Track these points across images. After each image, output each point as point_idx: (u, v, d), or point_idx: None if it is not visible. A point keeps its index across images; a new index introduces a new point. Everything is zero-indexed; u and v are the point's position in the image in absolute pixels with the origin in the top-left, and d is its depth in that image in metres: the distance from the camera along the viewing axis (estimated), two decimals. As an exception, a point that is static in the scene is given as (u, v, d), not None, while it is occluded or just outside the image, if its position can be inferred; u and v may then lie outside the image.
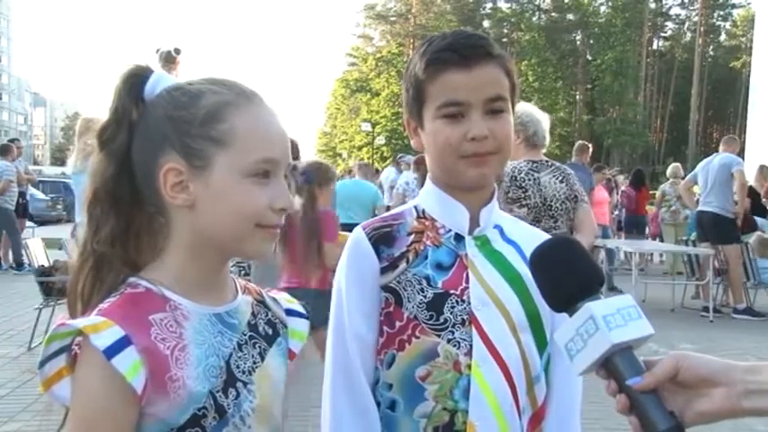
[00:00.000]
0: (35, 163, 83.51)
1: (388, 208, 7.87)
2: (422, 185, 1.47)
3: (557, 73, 58.76)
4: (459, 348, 1.30)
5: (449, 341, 1.30)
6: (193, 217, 1.04)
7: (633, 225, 12.52)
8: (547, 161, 4.06)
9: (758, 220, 9.82)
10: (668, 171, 12.25)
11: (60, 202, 22.62)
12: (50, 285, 6.27)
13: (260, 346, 1.12)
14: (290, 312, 1.23)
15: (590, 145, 9.33)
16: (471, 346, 1.29)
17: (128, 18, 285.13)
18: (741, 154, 10.35)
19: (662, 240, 11.80)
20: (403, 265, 1.34)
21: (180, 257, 1.06)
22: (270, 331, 1.16)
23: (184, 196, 1.03)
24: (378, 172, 15.33)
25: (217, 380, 1.03)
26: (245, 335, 1.10)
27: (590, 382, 1.10)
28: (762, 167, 10.60)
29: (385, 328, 1.34)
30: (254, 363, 1.10)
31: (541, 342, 1.35)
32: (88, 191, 1.07)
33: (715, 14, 62.19)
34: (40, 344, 5.43)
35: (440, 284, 1.32)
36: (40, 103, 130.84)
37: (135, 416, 0.98)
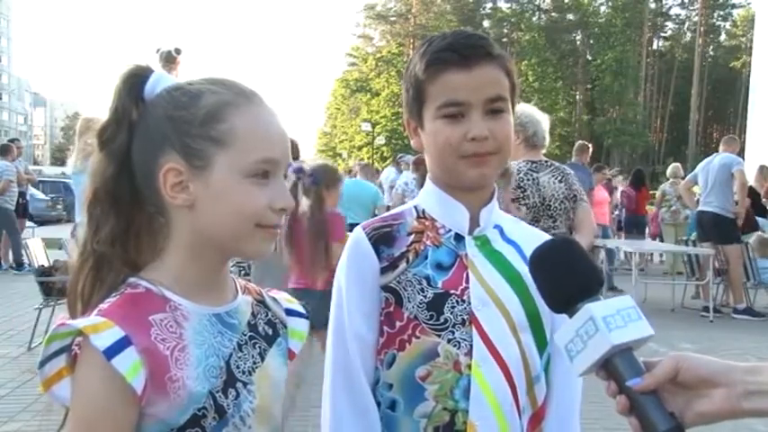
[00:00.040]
0: (35, 163, 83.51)
1: (388, 208, 7.87)
2: (421, 186, 1.47)
3: (557, 73, 58.75)
4: (459, 348, 1.30)
5: (449, 341, 1.30)
6: (193, 217, 1.04)
7: (633, 225, 12.52)
8: (546, 161, 4.07)
9: (759, 220, 9.81)
10: (668, 171, 12.25)
11: (60, 202, 22.62)
12: (50, 285, 6.27)
13: (260, 347, 1.12)
14: (289, 312, 1.23)
15: (590, 145, 9.33)
16: (471, 346, 1.29)
17: (128, 18, 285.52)
18: (741, 154, 10.34)
19: (662, 240, 11.79)
20: (403, 265, 1.34)
21: (180, 257, 1.06)
22: (270, 331, 1.16)
23: (184, 196, 1.03)
24: (378, 172, 15.33)
25: (217, 380, 1.03)
26: (245, 335, 1.10)
27: (590, 383, 1.10)
28: (762, 167, 10.60)
29: (385, 328, 1.34)
30: (254, 363, 1.10)
31: (541, 342, 1.35)
32: (88, 191, 1.07)
33: (715, 14, 62.18)
34: (40, 344, 5.43)
35: (440, 284, 1.32)
36: (40, 103, 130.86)
37: (135, 416, 0.98)
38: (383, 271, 1.34)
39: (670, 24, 65.64)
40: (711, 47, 63.42)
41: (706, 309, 8.35)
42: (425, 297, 1.31)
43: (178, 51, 5.08)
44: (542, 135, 4.08)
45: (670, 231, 11.60)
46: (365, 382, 1.33)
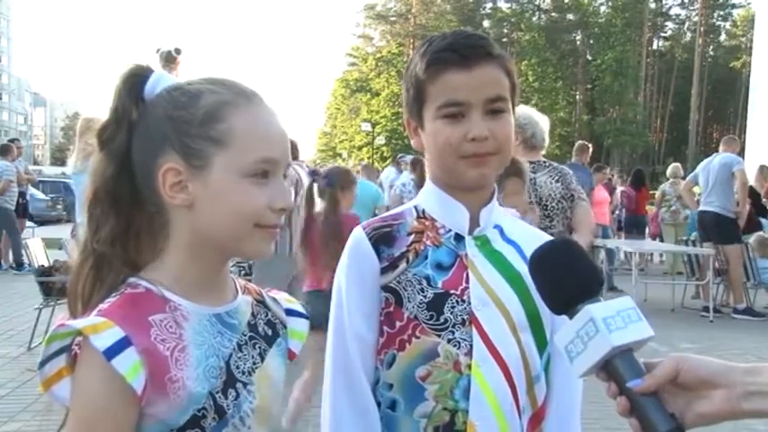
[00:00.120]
0: (35, 163, 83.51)
1: (388, 208, 7.88)
2: (419, 186, 1.48)
3: (557, 73, 58.73)
4: (459, 348, 1.30)
5: (449, 341, 1.30)
6: (193, 217, 1.04)
7: (633, 225, 12.53)
8: (544, 162, 4.10)
9: (761, 220, 9.81)
10: (668, 171, 12.25)
11: (60, 202, 22.62)
12: (50, 285, 6.27)
13: (260, 347, 1.12)
14: (289, 312, 1.23)
15: (590, 145, 9.34)
16: (471, 346, 1.29)
17: (128, 18, 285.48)
18: (741, 154, 10.34)
19: (662, 240, 11.79)
20: (403, 265, 1.34)
21: (180, 257, 1.06)
22: (269, 332, 1.16)
23: (183, 196, 1.03)
24: (379, 172, 15.36)
25: (216, 380, 1.03)
26: (244, 335, 1.10)
27: (590, 383, 1.10)
28: (762, 167, 10.60)
29: (385, 328, 1.34)
30: (254, 363, 1.10)
31: (541, 342, 1.35)
32: (88, 191, 1.07)
33: (715, 14, 62.17)
34: (40, 344, 5.44)
35: (440, 284, 1.32)
36: (40, 103, 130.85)
37: (135, 416, 0.98)
38: (383, 271, 1.34)
39: (670, 24, 65.66)
40: (711, 47, 63.41)
41: (706, 309, 8.34)
42: (425, 297, 1.31)
43: (178, 51, 5.08)
44: (541, 136, 4.09)
45: (670, 231, 11.61)
46: (365, 382, 1.33)
